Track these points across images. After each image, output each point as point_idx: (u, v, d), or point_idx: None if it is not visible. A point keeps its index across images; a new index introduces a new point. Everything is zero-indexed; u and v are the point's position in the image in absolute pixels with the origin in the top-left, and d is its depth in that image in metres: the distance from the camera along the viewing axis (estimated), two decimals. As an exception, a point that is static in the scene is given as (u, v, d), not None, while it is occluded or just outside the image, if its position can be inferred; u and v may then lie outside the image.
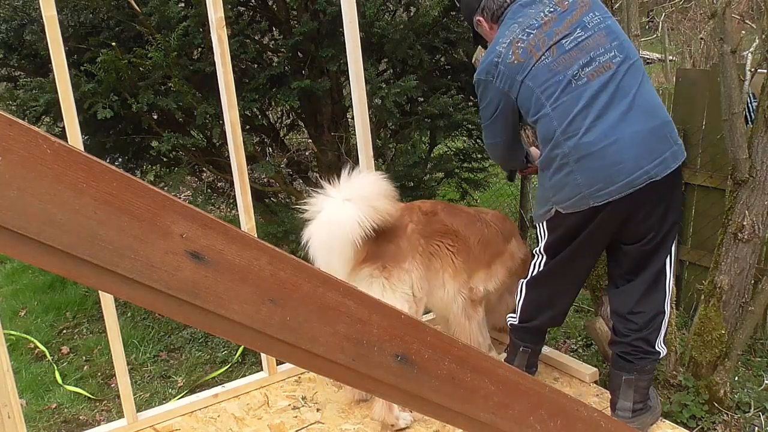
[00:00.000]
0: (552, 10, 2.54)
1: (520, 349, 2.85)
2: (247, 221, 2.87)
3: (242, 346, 3.86)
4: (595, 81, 2.41)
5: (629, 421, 2.61)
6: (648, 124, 2.40)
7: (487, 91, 2.65)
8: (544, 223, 2.63)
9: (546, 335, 2.98)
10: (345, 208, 2.57)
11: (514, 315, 2.86)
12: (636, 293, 2.61)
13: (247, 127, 4.45)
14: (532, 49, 2.50)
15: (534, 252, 2.77)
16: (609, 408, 2.81)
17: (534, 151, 2.95)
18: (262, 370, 3.16)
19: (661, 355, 2.69)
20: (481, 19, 2.77)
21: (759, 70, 3.22)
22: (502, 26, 2.65)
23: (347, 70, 3.16)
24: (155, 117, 4.22)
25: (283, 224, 4.00)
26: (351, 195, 2.61)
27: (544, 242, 2.68)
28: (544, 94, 2.46)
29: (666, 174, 2.39)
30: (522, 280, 2.83)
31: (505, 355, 3.29)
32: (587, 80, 2.41)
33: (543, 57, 2.48)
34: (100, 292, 2.82)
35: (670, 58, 6.37)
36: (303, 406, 2.92)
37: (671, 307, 2.75)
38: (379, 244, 2.73)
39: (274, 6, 4.31)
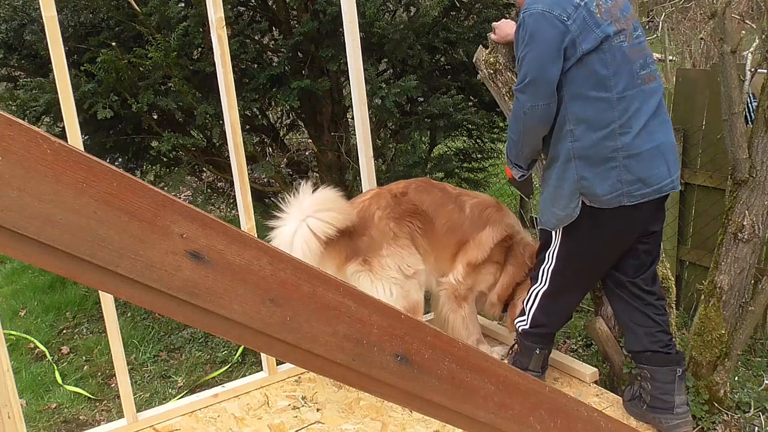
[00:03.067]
0: None
1: (536, 351, 2.83)
2: (247, 221, 2.87)
3: (242, 346, 3.86)
4: (648, 86, 2.44)
5: (686, 416, 2.61)
6: (672, 137, 2.53)
7: (550, 29, 2.31)
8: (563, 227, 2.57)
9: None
10: (297, 232, 2.68)
11: (524, 320, 2.82)
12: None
13: (247, 127, 4.45)
14: (612, 17, 2.40)
15: (546, 255, 2.69)
16: (609, 408, 2.81)
17: None
18: (262, 370, 3.16)
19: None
20: None
21: (759, 70, 3.22)
22: None
23: (347, 70, 3.16)
24: (155, 117, 4.22)
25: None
26: (300, 216, 2.71)
27: (558, 245, 2.62)
28: (614, 78, 2.37)
29: (679, 188, 2.55)
30: (535, 287, 2.77)
31: (499, 347, 3.29)
32: (642, 82, 2.43)
33: (621, 35, 2.39)
34: (100, 292, 2.82)
35: (670, 58, 6.36)
36: (303, 406, 2.92)
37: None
38: (354, 240, 2.81)
39: (274, 6, 4.31)
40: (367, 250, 2.83)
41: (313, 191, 2.81)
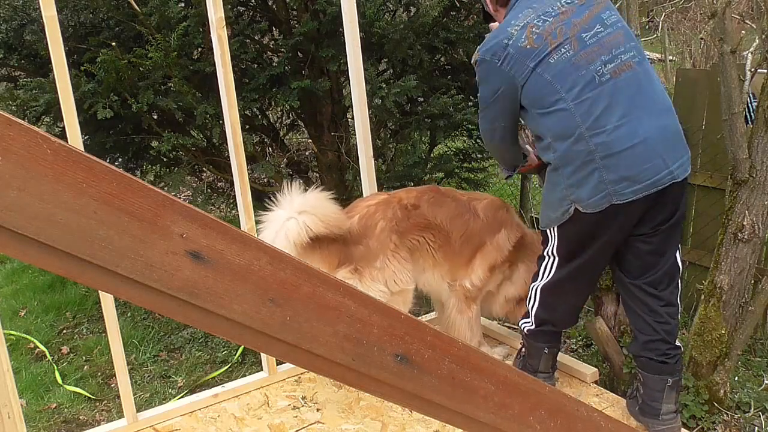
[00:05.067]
0: (569, 1, 2.50)
1: (545, 350, 2.81)
2: (247, 221, 2.87)
3: (242, 346, 3.86)
4: (619, 78, 2.40)
5: (672, 422, 2.60)
6: (670, 125, 2.46)
7: (489, 72, 2.55)
8: (556, 226, 2.59)
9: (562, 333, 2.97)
10: (285, 225, 2.68)
11: (528, 320, 2.81)
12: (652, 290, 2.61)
13: (247, 127, 4.45)
14: (548, 36, 2.43)
15: (545, 254, 2.72)
16: (609, 408, 2.81)
17: (531, 150, 2.93)
18: (262, 370, 3.16)
19: (681, 350, 2.68)
20: None
21: (759, 70, 3.22)
22: (514, 9, 2.57)
23: (347, 70, 3.16)
24: (155, 117, 4.22)
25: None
26: (291, 213, 2.70)
27: (555, 244, 2.63)
28: (563, 88, 2.39)
29: (685, 176, 2.45)
30: (533, 284, 2.78)
31: (499, 348, 3.29)
32: (610, 77, 2.39)
33: (562, 47, 2.41)
34: (100, 292, 2.82)
35: (670, 58, 6.36)
36: (303, 406, 2.92)
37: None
38: (349, 247, 2.81)
39: (274, 6, 4.32)
40: (360, 259, 2.81)
41: (304, 192, 2.78)
